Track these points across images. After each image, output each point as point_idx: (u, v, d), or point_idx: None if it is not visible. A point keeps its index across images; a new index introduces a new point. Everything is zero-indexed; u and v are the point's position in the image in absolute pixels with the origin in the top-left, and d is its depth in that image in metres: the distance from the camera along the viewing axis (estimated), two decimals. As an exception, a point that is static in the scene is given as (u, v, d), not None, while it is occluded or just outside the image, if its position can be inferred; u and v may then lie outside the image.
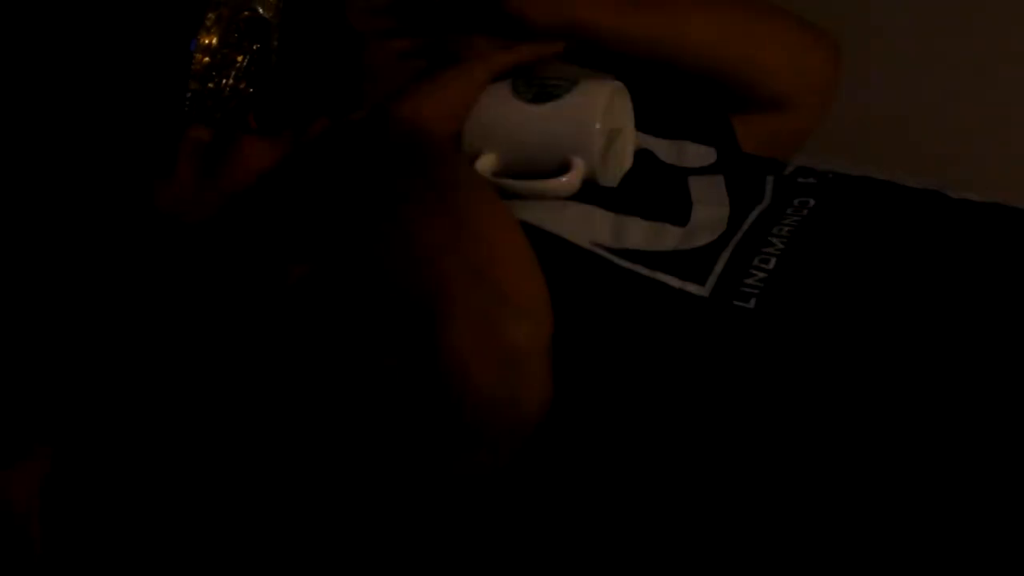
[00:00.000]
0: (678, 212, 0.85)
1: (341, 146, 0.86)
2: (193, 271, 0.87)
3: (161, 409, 0.80)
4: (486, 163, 0.88)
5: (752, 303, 0.77)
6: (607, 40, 0.96)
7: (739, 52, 0.98)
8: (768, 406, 0.73)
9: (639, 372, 0.74)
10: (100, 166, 0.93)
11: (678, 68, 0.98)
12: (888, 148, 1.32)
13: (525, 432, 0.68)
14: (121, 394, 0.85)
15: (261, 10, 0.98)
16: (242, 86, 0.97)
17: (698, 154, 0.94)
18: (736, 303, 0.77)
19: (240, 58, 0.97)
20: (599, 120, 0.87)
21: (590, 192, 0.87)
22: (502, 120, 0.88)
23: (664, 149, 0.94)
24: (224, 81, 0.96)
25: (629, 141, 0.92)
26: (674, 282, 0.79)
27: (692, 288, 0.78)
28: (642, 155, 0.92)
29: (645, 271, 0.80)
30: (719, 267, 0.79)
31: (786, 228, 0.82)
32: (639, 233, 0.84)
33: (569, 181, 0.86)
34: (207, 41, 0.94)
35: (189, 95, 0.94)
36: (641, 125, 0.93)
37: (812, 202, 0.84)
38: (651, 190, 0.88)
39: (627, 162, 0.91)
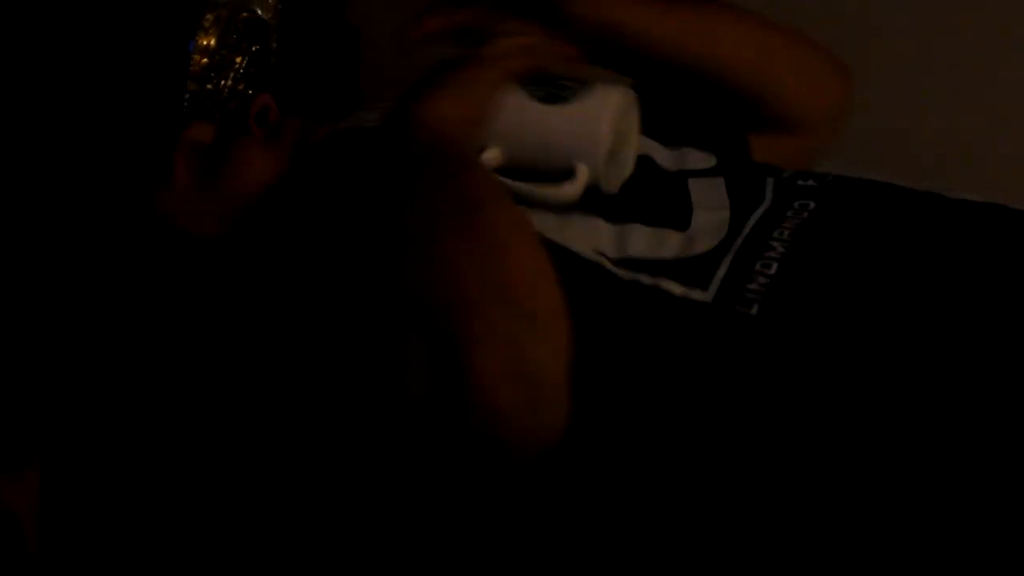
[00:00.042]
0: (679, 217, 0.85)
1: (365, 153, 0.86)
2: (210, 284, 0.87)
3: (164, 415, 0.81)
4: (491, 157, 0.86)
5: (755, 309, 0.77)
6: (638, 40, 0.95)
7: (763, 69, 0.98)
8: (774, 413, 0.73)
9: (644, 381, 0.73)
10: (98, 167, 0.92)
11: (698, 77, 0.97)
12: (887, 149, 1.32)
13: (546, 449, 0.68)
14: (119, 397, 0.85)
15: (259, 11, 0.98)
16: (241, 87, 0.97)
17: (699, 159, 0.94)
18: (739, 309, 0.77)
19: (239, 59, 0.97)
20: (607, 129, 0.86)
21: (592, 198, 0.86)
22: (510, 116, 0.86)
23: (665, 154, 0.94)
24: (223, 82, 0.96)
25: (633, 147, 0.91)
26: (677, 289, 0.79)
27: (696, 295, 0.78)
28: (642, 161, 0.92)
29: (648, 279, 0.80)
30: (721, 272, 0.79)
31: (787, 231, 0.81)
32: (641, 240, 0.83)
33: (572, 189, 0.85)
34: (205, 42, 0.94)
35: (188, 96, 0.94)
36: (645, 130, 0.93)
37: (812, 204, 0.84)
38: (651, 195, 0.88)
39: (629, 168, 0.91)
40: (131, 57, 0.93)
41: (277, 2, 0.99)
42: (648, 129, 0.92)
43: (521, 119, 0.86)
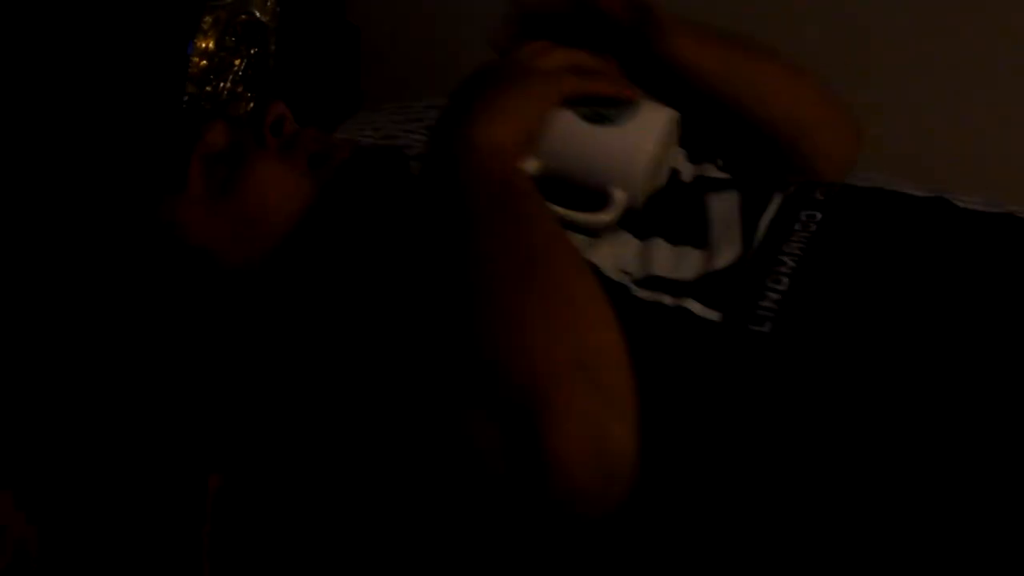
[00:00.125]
0: (697, 233, 0.85)
1: (415, 185, 0.82)
2: (249, 322, 0.85)
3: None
4: (528, 167, 0.83)
5: (767, 327, 0.76)
6: (701, 79, 0.95)
7: (794, 112, 0.98)
8: (789, 431, 0.72)
9: (661, 401, 0.72)
10: (96, 169, 0.92)
11: (730, 110, 0.97)
12: (887, 149, 1.32)
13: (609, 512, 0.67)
14: (121, 411, 0.85)
15: (258, 13, 0.97)
16: (239, 89, 0.97)
17: (715, 171, 0.95)
18: (752, 327, 0.76)
19: (237, 61, 0.97)
20: (650, 156, 0.85)
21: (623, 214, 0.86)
22: (554, 131, 0.84)
23: (687, 167, 0.94)
24: (221, 84, 0.96)
25: (668, 164, 0.90)
26: (698, 308, 0.78)
27: (712, 315, 0.77)
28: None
29: (670, 300, 0.79)
30: (735, 289, 0.78)
31: (796, 245, 0.81)
32: (664, 258, 0.83)
33: (608, 217, 0.84)
34: (204, 44, 0.94)
35: (186, 98, 0.93)
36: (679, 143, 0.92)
37: (819, 215, 0.83)
38: (673, 210, 0.87)
39: (662, 183, 0.89)
40: (130, 58, 0.92)
41: (275, 5, 0.99)
42: (680, 141, 0.92)
43: (564, 136, 0.84)
